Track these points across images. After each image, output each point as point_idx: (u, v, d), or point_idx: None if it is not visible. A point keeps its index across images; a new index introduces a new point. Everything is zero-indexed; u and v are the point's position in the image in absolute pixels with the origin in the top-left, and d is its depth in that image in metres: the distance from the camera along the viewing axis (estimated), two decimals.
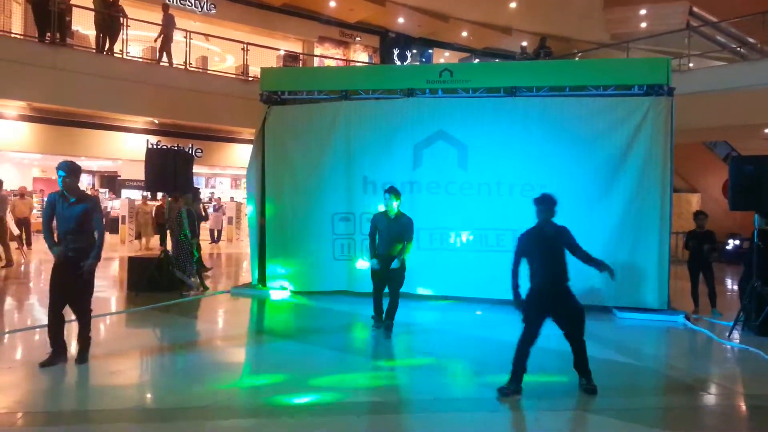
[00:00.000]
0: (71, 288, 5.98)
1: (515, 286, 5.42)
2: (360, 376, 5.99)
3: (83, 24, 15.60)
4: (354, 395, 5.38)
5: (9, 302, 9.70)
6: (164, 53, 15.48)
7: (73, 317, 6.23)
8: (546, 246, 5.47)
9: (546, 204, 5.55)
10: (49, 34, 13.53)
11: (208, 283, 11.22)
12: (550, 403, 5.21)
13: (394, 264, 7.24)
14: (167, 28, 15.41)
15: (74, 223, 5.91)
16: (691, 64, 14.90)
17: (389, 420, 4.88)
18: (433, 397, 5.32)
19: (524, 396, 5.31)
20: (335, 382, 5.67)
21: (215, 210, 19.80)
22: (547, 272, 5.42)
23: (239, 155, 18.53)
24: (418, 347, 7.21)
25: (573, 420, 5.02)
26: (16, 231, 15.45)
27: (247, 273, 12.23)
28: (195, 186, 14.05)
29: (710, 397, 5.77)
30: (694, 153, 18.39)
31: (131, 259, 10.75)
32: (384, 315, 7.48)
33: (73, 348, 6.29)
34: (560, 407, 5.17)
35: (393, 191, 7.35)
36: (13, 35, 13.81)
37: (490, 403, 5.19)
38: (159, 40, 15.67)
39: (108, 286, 10.90)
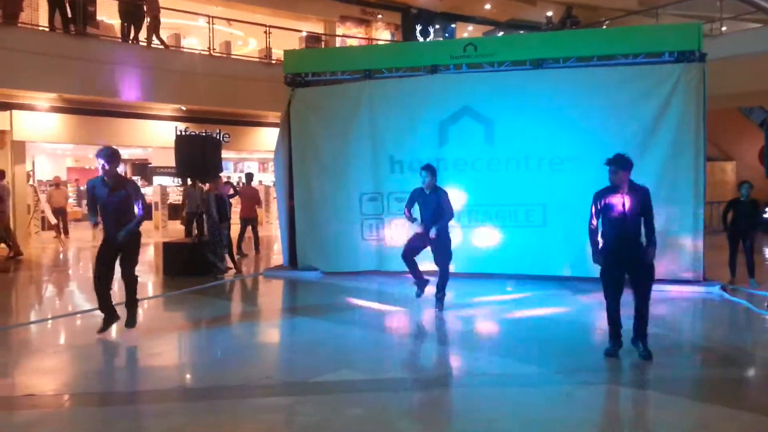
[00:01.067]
0: (113, 263, 6.31)
1: (594, 243, 5.64)
2: (395, 353, 6.05)
3: (108, 14, 15.76)
4: (390, 372, 5.42)
5: (50, 289, 10.02)
6: (155, 36, 15.19)
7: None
8: (620, 206, 5.51)
9: (618, 165, 5.49)
10: (72, 26, 13.69)
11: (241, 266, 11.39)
12: (584, 377, 5.17)
13: (432, 232, 7.30)
14: (153, 10, 15.14)
15: (114, 208, 6.17)
16: (723, 28, 14.40)
17: (425, 396, 4.92)
18: (468, 373, 5.35)
19: (557, 370, 5.31)
20: (370, 360, 5.72)
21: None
22: (617, 231, 5.51)
23: (266, 138, 18.62)
24: (451, 324, 7.23)
25: (607, 394, 4.99)
26: (53, 220, 15.88)
27: (278, 255, 12.39)
28: (249, 172, 14.56)
29: (749, 369, 5.69)
30: (728, 119, 17.85)
31: (166, 245, 10.98)
32: (436, 288, 7.58)
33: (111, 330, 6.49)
34: (595, 381, 5.14)
35: (428, 168, 7.40)
36: (41, 28, 14.02)
37: (523, 378, 5.19)
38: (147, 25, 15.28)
39: (144, 271, 11.15)
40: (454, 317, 7.43)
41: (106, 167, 6.08)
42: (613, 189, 5.57)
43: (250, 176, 14.13)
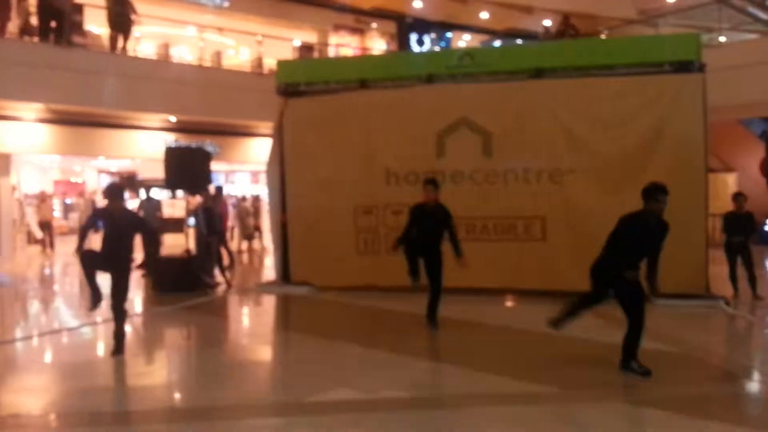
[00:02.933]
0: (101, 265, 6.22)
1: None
2: (391, 372, 5.86)
3: (96, 23, 15.52)
4: (386, 391, 5.26)
5: (36, 305, 9.75)
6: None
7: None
8: (647, 238, 5.49)
9: (659, 194, 5.52)
10: (52, 36, 13.43)
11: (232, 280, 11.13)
12: (586, 395, 5.06)
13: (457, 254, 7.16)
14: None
15: (116, 240, 6.16)
16: (722, 39, 14.35)
17: (424, 416, 4.75)
18: (467, 392, 5.21)
19: (560, 387, 5.21)
20: (366, 379, 5.57)
21: (233, 207, 19.71)
22: (636, 261, 5.47)
23: (258, 150, 18.42)
24: (450, 340, 7.03)
25: (610, 412, 4.82)
26: (39, 234, 15.57)
27: (271, 270, 12.15)
28: (218, 185, 14.23)
29: (753, 385, 5.62)
30: (728, 131, 17.77)
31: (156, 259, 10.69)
32: (430, 307, 7.33)
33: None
34: (599, 399, 5.01)
35: (432, 182, 7.26)
36: (26, 38, 13.78)
37: (525, 397, 5.06)
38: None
39: (133, 286, 10.86)
40: (452, 333, 7.23)
41: (113, 204, 6.17)
42: (646, 219, 5.50)
43: (219, 189, 13.73)
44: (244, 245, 16.82)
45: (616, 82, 9.06)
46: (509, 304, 8.99)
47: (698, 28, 14.02)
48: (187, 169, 10.02)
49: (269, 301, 9.86)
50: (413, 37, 21.84)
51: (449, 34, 23.81)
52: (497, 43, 22.08)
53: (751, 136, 18.80)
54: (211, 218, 10.42)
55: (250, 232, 16.88)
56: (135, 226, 6.38)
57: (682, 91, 8.70)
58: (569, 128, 9.07)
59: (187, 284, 9.90)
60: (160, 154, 10.53)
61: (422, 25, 22.26)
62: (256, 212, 17.67)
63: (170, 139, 11.15)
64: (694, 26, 15.14)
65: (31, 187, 19.94)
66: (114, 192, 6.25)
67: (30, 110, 14.36)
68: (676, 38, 9.94)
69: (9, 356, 6.56)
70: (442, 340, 7.09)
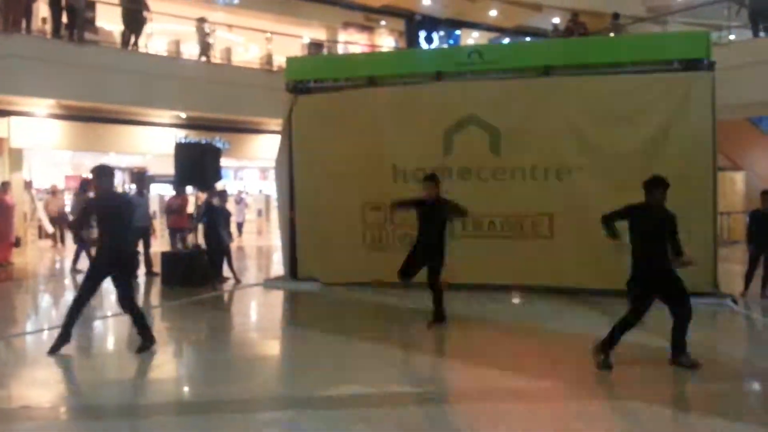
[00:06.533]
0: (101, 282, 6.18)
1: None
2: (398, 367, 5.91)
3: (108, 19, 15.65)
4: (393, 387, 5.29)
5: (46, 299, 9.85)
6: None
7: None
8: (651, 227, 5.56)
9: (658, 187, 5.66)
10: (68, 31, 13.55)
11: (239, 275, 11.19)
12: (594, 392, 5.06)
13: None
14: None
15: (111, 218, 6.09)
16: (732, 36, 14.25)
17: (428, 411, 4.78)
18: (474, 388, 5.21)
19: (566, 383, 5.21)
20: (373, 374, 5.58)
21: (237, 203, 19.75)
22: (646, 253, 5.52)
23: (266, 146, 18.51)
24: (456, 337, 7.05)
25: (616, 409, 4.83)
26: (50, 229, 15.70)
27: (278, 265, 12.21)
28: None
29: (759, 384, 5.60)
30: (736, 129, 17.65)
31: (164, 254, 10.79)
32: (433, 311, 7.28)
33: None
34: (604, 396, 5.03)
35: (430, 178, 7.32)
36: (39, 34, 13.91)
37: (529, 393, 5.08)
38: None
39: (143, 281, 10.98)
40: (459, 330, 7.24)
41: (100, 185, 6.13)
42: (650, 208, 5.71)
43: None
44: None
45: (625, 79, 9.04)
46: (516, 300, 8.99)
47: (707, 25, 13.93)
48: (196, 165, 10.06)
49: (276, 297, 9.90)
50: (422, 35, 21.82)
51: (458, 32, 23.80)
52: (506, 41, 21.99)
53: (760, 134, 18.66)
54: (219, 214, 10.49)
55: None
56: (128, 206, 6.43)
57: (690, 89, 8.64)
58: (577, 126, 9.06)
59: (196, 279, 9.98)
60: (170, 150, 10.59)
61: (431, 23, 22.24)
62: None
63: (180, 135, 11.18)
64: (703, 24, 15.03)
65: (42, 182, 20.14)
66: (104, 173, 6.10)
67: (42, 106, 14.49)
68: (685, 36, 9.90)
69: (20, 349, 6.63)
70: (448, 336, 7.10)
